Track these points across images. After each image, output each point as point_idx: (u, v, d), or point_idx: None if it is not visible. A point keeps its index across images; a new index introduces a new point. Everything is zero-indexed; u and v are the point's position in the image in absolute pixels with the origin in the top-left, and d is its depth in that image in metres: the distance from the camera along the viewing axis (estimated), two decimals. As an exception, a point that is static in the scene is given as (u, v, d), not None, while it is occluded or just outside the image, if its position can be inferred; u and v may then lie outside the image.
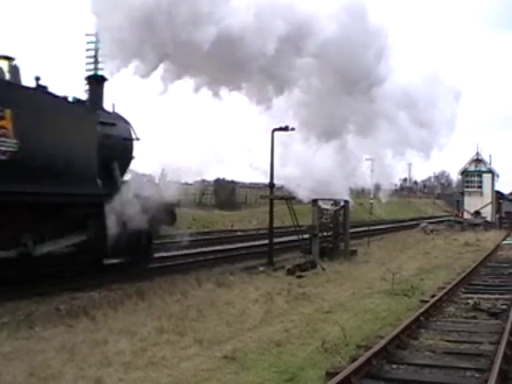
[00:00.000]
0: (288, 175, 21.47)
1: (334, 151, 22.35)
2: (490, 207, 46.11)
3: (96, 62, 39.00)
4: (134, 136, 17.12)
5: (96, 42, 38.74)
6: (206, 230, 33.83)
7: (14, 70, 13.17)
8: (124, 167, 16.53)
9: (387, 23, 21.00)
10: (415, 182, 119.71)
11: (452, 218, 47.81)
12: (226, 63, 14.85)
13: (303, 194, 21.69)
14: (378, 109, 22.43)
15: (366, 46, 19.15)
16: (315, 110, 20.46)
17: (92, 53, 39.02)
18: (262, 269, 17.89)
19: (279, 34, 15.66)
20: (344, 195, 22.47)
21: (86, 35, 38.61)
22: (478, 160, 47.07)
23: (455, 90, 34.15)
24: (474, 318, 10.74)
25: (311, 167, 21.88)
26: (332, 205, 22.26)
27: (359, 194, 79.77)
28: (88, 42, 38.96)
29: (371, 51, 19.53)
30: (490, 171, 47.12)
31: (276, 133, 20.45)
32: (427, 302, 11.58)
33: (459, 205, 48.98)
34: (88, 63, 39.33)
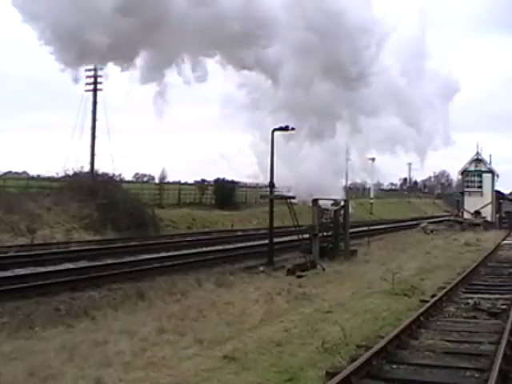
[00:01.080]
0: (278, 177, 21.47)
1: (323, 150, 22.34)
2: (489, 207, 46.09)
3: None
4: None
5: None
6: (206, 229, 33.82)
7: None
8: None
9: (372, 21, 21.03)
10: (415, 182, 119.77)
11: (452, 218, 47.79)
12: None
13: (294, 194, 21.66)
14: (367, 105, 22.51)
15: (343, 39, 19.34)
16: (301, 108, 20.57)
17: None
18: (261, 269, 17.88)
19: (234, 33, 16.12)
20: (335, 195, 22.36)
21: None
22: (478, 160, 47.05)
23: (451, 86, 34.12)
24: (474, 317, 10.73)
25: (300, 168, 21.85)
26: (332, 205, 22.26)
27: (359, 194, 79.91)
28: None
29: (352, 45, 19.66)
30: (490, 171, 47.09)
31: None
32: (427, 301, 11.57)
33: (459, 205, 48.97)
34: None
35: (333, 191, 22.10)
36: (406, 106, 26.88)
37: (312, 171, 21.59)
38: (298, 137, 21.38)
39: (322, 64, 19.29)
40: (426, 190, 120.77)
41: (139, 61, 15.99)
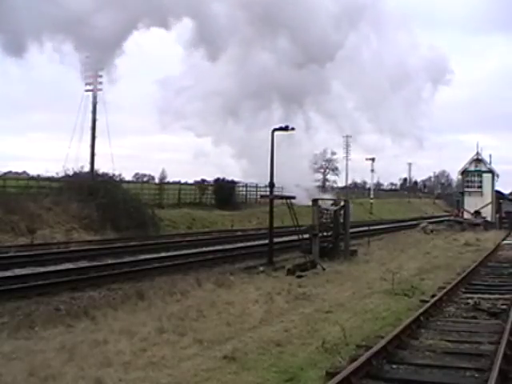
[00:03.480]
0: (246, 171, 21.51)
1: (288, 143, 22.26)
2: (489, 207, 46.07)
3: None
4: None
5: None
6: (206, 229, 33.81)
7: None
8: None
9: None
10: (415, 182, 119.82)
11: (452, 218, 47.78)
12: None
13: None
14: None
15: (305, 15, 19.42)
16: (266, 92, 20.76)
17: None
18: (261, 269, 17.87)
19: None
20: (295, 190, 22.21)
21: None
22: (478, 160, 47.03)
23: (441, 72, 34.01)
24: (474, 317, 10.73)
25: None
26: (332, 205, 22.25)
27: (359, 194, 79.85)
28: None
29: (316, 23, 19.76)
30: (490, 171, 47.07)
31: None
32: (427, 301, 11.57)
33: (459, 205, 48.96)
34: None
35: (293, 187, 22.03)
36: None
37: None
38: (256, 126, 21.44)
39: (283, 46, 19.45)
40: (426, 190, 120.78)
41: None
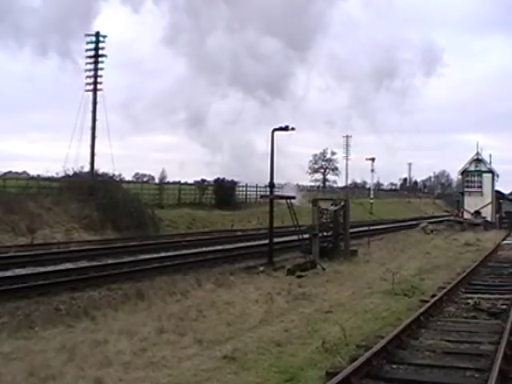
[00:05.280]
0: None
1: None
2: (489, 207, 46.09)
3: (96, 62, 39.04)
4: None
5: (96, 42, 38.86)
6: (206, 229, 33.81)
7: None
8: None
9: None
10: (415, 182, 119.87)
11: (452, 218, 47.80)
12: None
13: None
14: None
15: None
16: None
17: (92, 52, 39.06)
18: (261, 269, 17.87)
19: None
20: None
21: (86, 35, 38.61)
22: (478, 160, 47.04)
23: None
24: (474, 317, 10.73)
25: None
26: (332, 205, 22.25)
27: (359, 194, 79.86)
28: (88, 42, 38.98)
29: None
30: (490, 171, 47.08)
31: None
32: (427, 301, 11.57)
33: (459, 205, 48.98)
34: (88, 63, 39.35)
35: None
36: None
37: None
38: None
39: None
40: (426, 190, 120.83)
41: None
